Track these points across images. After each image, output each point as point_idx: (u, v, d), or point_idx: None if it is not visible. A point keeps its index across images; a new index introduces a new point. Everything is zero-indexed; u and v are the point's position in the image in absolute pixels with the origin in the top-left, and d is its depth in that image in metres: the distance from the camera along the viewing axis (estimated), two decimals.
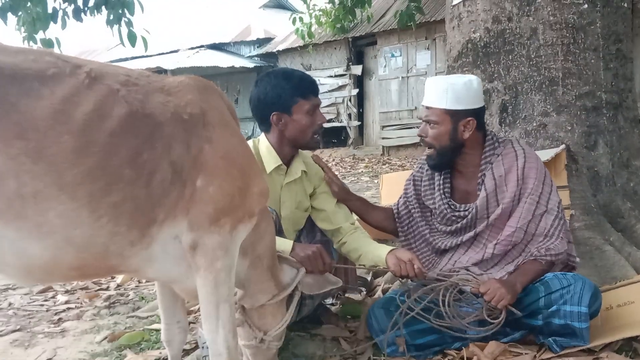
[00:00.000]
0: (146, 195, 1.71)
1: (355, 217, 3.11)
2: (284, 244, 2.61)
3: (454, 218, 2.87)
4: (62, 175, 1.56)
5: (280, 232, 2.83)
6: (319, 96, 2.93)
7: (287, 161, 2.95)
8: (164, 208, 1.76)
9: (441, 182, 2.92)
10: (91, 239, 1.64)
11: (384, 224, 3.16)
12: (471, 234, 2.82)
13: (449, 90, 2.70)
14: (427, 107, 2.79)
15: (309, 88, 2.84)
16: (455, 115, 2.72)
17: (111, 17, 6.39)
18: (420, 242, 3.04)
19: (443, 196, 2.90)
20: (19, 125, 1.51)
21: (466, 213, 2.82)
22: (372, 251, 2.78)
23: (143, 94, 1.78)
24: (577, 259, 2.83)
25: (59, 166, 1.55)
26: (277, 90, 2.80)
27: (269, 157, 2.87)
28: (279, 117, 2.82)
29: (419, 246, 3.03)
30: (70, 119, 1.58)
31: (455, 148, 2.79)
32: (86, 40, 22.86)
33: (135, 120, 1.71)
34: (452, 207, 2.88)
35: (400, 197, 3.16)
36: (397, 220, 3.12)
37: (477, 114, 2.76)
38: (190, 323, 3.09)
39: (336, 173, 3.21)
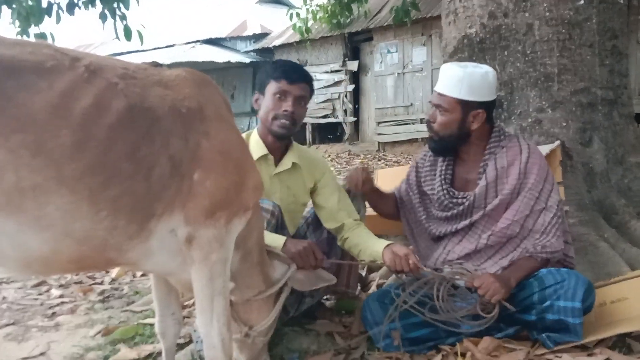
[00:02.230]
0: (145, 189, 1.71)
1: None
2: (276, 240, 2.61)
3: (450, 205, 2.88)
4: (62, 169, 1.55)
5: (282, 228, 2.83)
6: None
7: (280, 152, 2.97)
8: (162, 202, 1.76)
9: (443, 168, 2.93)
10: (90, 232, 1.64)
11: (393, 211, 3.19)
12: (466, 222, 2.82)
13: (465, 79, 2.69)
14: (440, 94, 2.77)
15: (283, 72, 2.83)
16: (466, 106, 2.72)
17: (105, 11, 6.37)
18: (419, 229, 3.05)
19: (443, 182, 2.91)
20: (17, 119, 1.50)
21: (464, 200, 2.82)
22: (370, 246, 2.78)
23: (141, 87, 1.78)
24: (574, 261, 2.84)
25: (58, 160, 1.55)
26: (261, 73, 2.91)
27: (256, 147, 2.89)
28: (257, 98, 2.90)
29: (419, 232, 3.05)
30: (69, 113, 1.58)
31: (461, 137, 2.79)
32: (81, 34, 22.82)
33: (134, 114, 1.71)
34: (451, 193, 2.88)
35: (402, 183, 3.16)
36: (399, 205, 3.14)
37: (488, 106, 2.76)
38: (184, 317, 3.09)
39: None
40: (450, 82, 2.74)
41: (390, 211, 3.19)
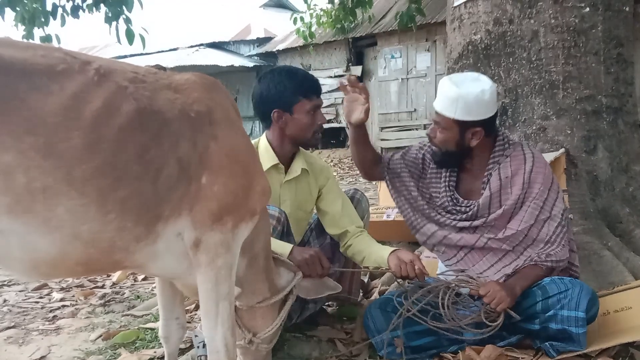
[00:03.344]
0: (153, 191, 1.71)
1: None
2: (283, 247, 2.60)
3: (454, 211, 2.86)
4: (72, 171, 1.56)
5: (288, 235, 2.82)
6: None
7: (288, 159, 2.96)
8: (169, 204, 1.76)
9: (447, 174, 2.90)
10: (98, 234, 1.64)
11: (367, 163, 3.09)
12: (467, 224, 2.81)
13: (459, 101, 2.64)
14: (437, 112, 2.74)
15: (311, 88, 2.84)
16: (463, 125, 2.69)
17: (109, 14, 6.36)
18: (404, 203, 2.99)
19: (447, 189, 2.88)
20: (28, 121, 1.52)
21: (467, 209, 2.81)
22: (375, 252, 2.78)
23: (151, 91, 1.79)
24: (579, 270, 2.83)
25: (68, 162, 1.55)
26: (280, 88, 2.80)
27: (266, 156, 2.87)
28: (280, 115, 2.82)
29: (403, 206, 2.99)
30: (79, 116, 1.59)
31: (462, 153, 2.77)
32: (85, 37, 22.88)
33: (143, 117, 1.72)
34: (455, 200, 2.86)
35: (400, 154, 3.08)
36: (386, 170, 3.04)
37: (487, 123, 2.71)
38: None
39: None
40: (445, 102, 2.69)
41: (364, 160, 3.09)
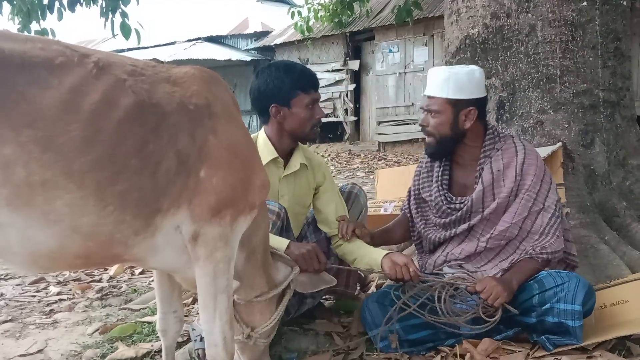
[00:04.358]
0: (152, 184, 1.71)
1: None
2: (280, 242, 2.60)
3: (449, 210, 2.87)
4: (70, 164, 1.56)
5: (287, 230, 2.83)
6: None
7: (287, 154, 2.95)
8: (168, 198, 1.76)
9: (440, 174, 2.92)
10: (97, 227, 1.65)
11: (408, 237, 3.19)
12: (465, 226, 2.81)
13: (450, 79, 2.69)
14: (429, 97, 2.77)
15: (309, 82, 2.83)
16: (456, 105, 2.71)
17: (104, 9, 6.34)
18: (419, 235, 3.06)
19: (440, 188, 2.90)
20: (28, 115, 1.52)
21: (461, 205, 2.81)
22: (367, 254, 2.77)
23: (149, 84, 1.79)
24: (577, 259, 2.84)
25: (67, 155, 1.56)
26: (278, 83, 2.80)
27: (265, 150, 2.86)
28: (278, 110, 2.82)
29: (422, 242, 3.05)
30: (78, 109, 1.59)
31: (456, 138, 2.78)
32: (83, 31, 22.83)
33: (142, 110, 1.71)
34: (448, 199, 2.87)
35: (408, 197, 3.15)
36: (410, 220, 3.13)
37: (479, 103, 2.75)
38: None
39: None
40: (437, 84, 2.74)
41: (402, 237, 3.21)
